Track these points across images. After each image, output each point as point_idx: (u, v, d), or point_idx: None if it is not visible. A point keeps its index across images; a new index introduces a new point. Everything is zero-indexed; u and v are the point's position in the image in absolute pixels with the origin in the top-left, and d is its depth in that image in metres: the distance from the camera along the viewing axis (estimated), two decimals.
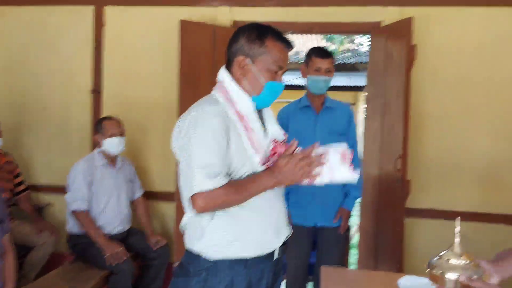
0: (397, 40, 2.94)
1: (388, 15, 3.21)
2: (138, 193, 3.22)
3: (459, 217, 1.27)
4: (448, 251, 1.21)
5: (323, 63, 2.50)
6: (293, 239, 2.57)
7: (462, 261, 1.17)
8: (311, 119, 2.56)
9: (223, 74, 1.50)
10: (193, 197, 1.36)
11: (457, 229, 1.22)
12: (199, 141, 1.36)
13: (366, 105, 3.36)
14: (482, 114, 3.14)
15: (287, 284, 2.70)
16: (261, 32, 1.44)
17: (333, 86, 9.31)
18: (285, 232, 1.56)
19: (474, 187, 3.14)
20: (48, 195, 3.64)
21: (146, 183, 3.45)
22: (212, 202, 1.36)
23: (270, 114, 1.58)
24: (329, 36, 11.40)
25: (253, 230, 1.43)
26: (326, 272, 1.91)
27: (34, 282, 2.68)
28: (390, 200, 2.96)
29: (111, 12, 3.55)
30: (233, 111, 1.43)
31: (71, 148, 3.60)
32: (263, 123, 1.51)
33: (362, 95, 13.08)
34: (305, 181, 1.40)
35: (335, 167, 1.39)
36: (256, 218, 1.45)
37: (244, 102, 1.45)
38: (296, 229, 2.58)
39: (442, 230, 3.19)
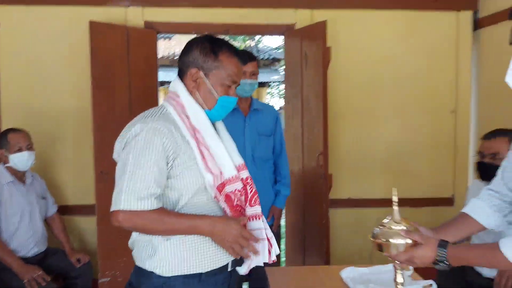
0: (312, 42, 3.08)
1: (300, 17, 3.36)
2: (52, 210, 2.96)
3: (395, 188, 1.39)
4: (388, 220, 1.33)
5: (247, 67, 2.52)
6: None
7: (402, 226, 1.30)
8: (240, 121, 2.58)
9: (177, 85, 1.43)
10: (114, 211, 1.30)
11: (395, 198, 1.35)
12: (137, 158, 1.30)
13: (285, 105, 3.47)
14: (387, 109, 3.45)
15: None
16: (216, 46, 1.42)
17: None
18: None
19: (384, 175, 3.45)
20: None
21: (60, 198, 3.20)
22: (131, 222, 1.30)
23: (223, 128, 1.55)
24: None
25: (208, 245, 1.40)
26: (271, 272, 1.94)
27: None
28: (314, 194, 3.12)
29: (6, 12, 3.19)
30: (186, 127, 1.37)
31: None
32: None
33: (266, 91, 13.48)
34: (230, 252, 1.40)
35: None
36: None
37: (200, 117, 1.40)
38: None
39: (359, 217, 3.46)
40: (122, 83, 3.14)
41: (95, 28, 3.02)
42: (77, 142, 3.30)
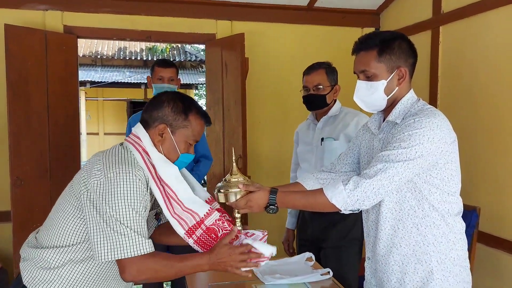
0: (231, 52, 3.28)
1: (221, 28, 3.54)
2: None
3: (233, 147, 1.69)
4: (227, 175, 1.57)
5: (164, 72, 2.71)
6: None
7: (240, 178, 1.55)
8: None
9: (142, 134, 1.46)
10: (125, 261, 1.31)
11: (234, 158, 1.62)
12: (127, 201, 1.31)
13: (207, 111, 3.62)
14: (296, 115, 3.71)
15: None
16: (187, 106, 1.47)
17: None
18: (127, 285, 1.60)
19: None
20: None
21: None
22: (146, 272, 1.33)
23: (189, 174, 1.61)
24: None
25: (109, 280, 1.45)
26: None
27: None
28: None
29: None
30: (152, 176, 1.40)
31: None
32: None
33: (193, 93, 13.51)
34: (238, 271, 1.43)
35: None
36: (114, 276, 1.46)
37: (171, 169, 1.44)
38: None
39: (275, 216, 3.69)
40: (40, 88, 3.11)
41: (11, 32, 2.96)
42: None
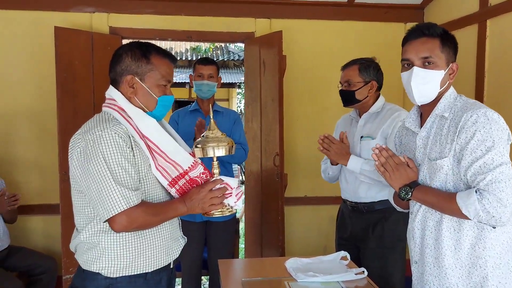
0: (269, 50, 3.28)
1: (260, 26, 3.56)
2: None
3: (210, 105, 1.63)
4: (206, 131, 1.56)
5: (204, 69, 2.76)
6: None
7: (217, 134, 1.54)
8: None
9: (114, 93, 1.48)
10: (114, 217, 1.35)
11: (211, 114, 1.57)
12: (111, 159, 1.35)
13: (245, 108, 3.66)
14: (335, 113, 3.65)
15: (182, 282, 2.86)
16: (145, 50, 1.48)
17: None
18: (181, 243, 1.66)
19: None
20: None
21: (23, 198, 3.26)
22: (135, 221, 1.38)
23: (168, 126, 1.64)
24: None
25: (154, 246, 1.50)
26: (223, 265, 2.12)
27: None
28: (271, 192, 3.31)
29: None
30: (134, 129, 1.43)
31: None
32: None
33: (235, 92, 13.65)
34: (212, 211, 1.50)
35: (230, 199, 1.54)
36: (155, 235, 1.50)
37: (146, 120, 1.46)
38: (187, 226, 2.77)
39: (313, 214, 3.69)
40: (87, 87, 3.25)
41: (60, 33, 3.11)
42: (37, 143, 3.39)
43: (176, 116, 2.86)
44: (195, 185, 1.51)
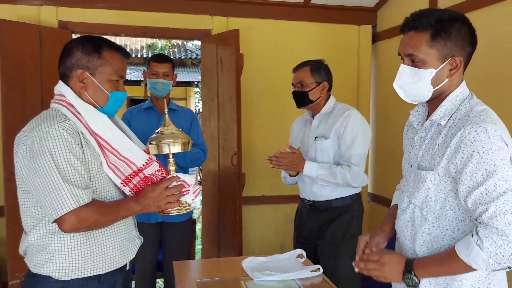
0: (226, 48, 3.26)
1: (217, 24, 3.52)
2: None
3: (165, 101, 1.74)
4: (160, 127, 1.54)
5: (159, 67, 2.67)
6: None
7: (172, 130, 1.52)
8: (155, 119, 2.68)
9: (63, 89, 1.43)
10: (63, 217, 1.30)
11: (166, 110, 1.57)
12: (59, 157, 1.31)
13: (202, 107, 3.61)
14: (292, 113, 3.69)
15: (136, 285, 2.78)
16: (97, 45, 1.44)
17: None
18: (137, 243, 1.62)
19: None
20: None
21: None
22: (85, 221, 1.33)
23: (121, 122, 1.59)
24: None
25: (108, 247, 1.45)
26: (178, 266, 2.08)
27: None
28: (229, 192, 3.29)
29: None
30: (85, 128, 1.39)
31: None
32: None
33: (193, 91, 13.51)
34: (169, 209, 1.46)
35: (187, 196, 1.50)
36: (109, 235, 1.46)
37: (96, 116, 1.42)
38: (141, 228, 2.69)
39: (271, 213, 3.70)
40: (35, 83, 3.10)
41: (5, 26, 2.96)
42: None
43: (129, 114, 2.75)
44: (150, 183, 1.47)
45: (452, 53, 1.29)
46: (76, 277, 1.40)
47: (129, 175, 1.44)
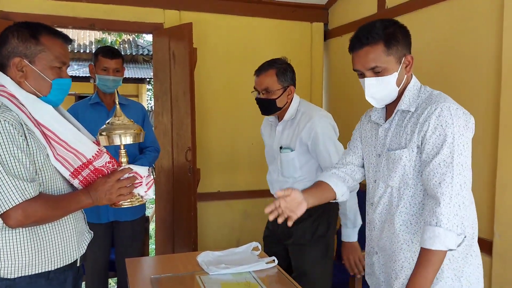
0: (179, 42, 3.21)
1: (169, 17, 3.46)
2: None
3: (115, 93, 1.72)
4: (111, 118, 1.51)
5: (110, 63, 2.55)
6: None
7: (124, 121, 1.49)
8: (103, 116, 2.58)
9: (2, 78, 1.37)
10: (8, 212, 1.25)
11: (116, 100, 1.53)
12: (1, 150, 1.25)
13: (154, 102, 3.54)
14: (247, 108, 3.69)
15: (86, 285, 2.69)
16: (34, 30, 1.37)
17: None
18: (87, 237, 1.57)
19: (248, 170, 3.70)
20: None
21: None
22: (32, 215, 1.28)
23: (68, 114, 1.53)
24: None
25: (55, 242, 1.41)
26: (131, 263, 2.03)
27: None
28: (183, 188, 3.25)
29: None
30: (28, 117, 1.33)
31: None
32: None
33: (145, 88, 13.21)
34: (121, 202, 1.43)
35: (140, 188, 1.47)
36: (57, 229, 1.42)
37: (38, 106, 1.36)
38: (92, 227, 2.59)
39: (226, 209, 3.69)
40: None
41: None
42: None
43: (74, 111, 2.57)
44: (100, 176, 1.42)
45: (403, 53, 1.46)
46: (23, 274, 1.35)
47: (78, 167, 1.39)
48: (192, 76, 3.13)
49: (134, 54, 12.30)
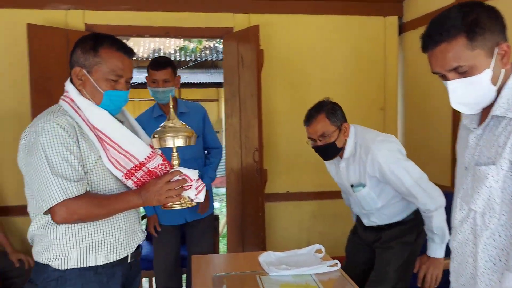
0: (247, 45, 3.25)
1: (238, 21, 3.52)
2: None
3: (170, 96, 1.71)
4: (165, 121, 1.51)
5: (158, 75, 2.54)
6: (161, 238, 2.71)
7: (176, 123, 1.48)
8: None
9: (68, 85, 1.49)
10: (54, 208, 1.33)
11: (171, 104, 1.54)
12: (51, 150, 1.34)
13: (224, 105, 3.62)
14: None
15: (157, 280, 2.82)
16: (96, 42, 1.45)
17: (195, 83, 9.38)
18: (139, 237, 1.59)
19: (315, 171, 3.61)
20: None
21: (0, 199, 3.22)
22: (76, 212, 1.34)
23: (131, 119, 1.61)
24: None
25: (104, 239, 1.46)
26: (196, 260, 2.09)
27: None
28: (251, 189, 3.28)
29: None
30: (84, 120, 1.42)
31: None
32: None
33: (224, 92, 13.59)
34: (170, 204, 1.45)
35: (190, 191, 1.48)
36: (107, 227, 1.47)
37: (98, 113, 1.44)
38: (164, 229, 2.72)
39: (294, 209, 3.67)
40: (61, 85, 3.18)
41: (33, 31, 3.06)
42: (16, 144, 3.32)
43: (140, 123, 2.66)
44: (154, 177, 1.47)
45: (495, 42, 1.14)
46: (73, 267, 1.42)
47: (131, 169, 1.44)
48: (259, 77, 3.16)
49: (214, 60, 12.73)
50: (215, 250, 3.05)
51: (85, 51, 1.45)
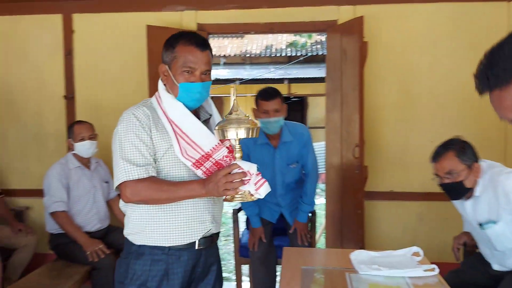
0: (350, 37, 3.17)
1: (342, 14, 3.44)
2: (113, 193, 3.27)
3: (236, 84, 1.51)
4: (228, 113, 1.46)
5: (269, 105, 2.56)
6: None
7: (240, 115, 1.43)
8: (270, 153, 2.72)
9: (159, 81, 1.61)
10: (120, 187, 1.48)
11: (233, 95, 1.47)
12: (124, 137, 1.49)
13: (326, 99, 3.58)
14: (424, 103, 3.41)
15: (252, 268, 2.93)
16: (174, 40, 1.56)
17: (305, 78, 9.34)
18: (207, 226, 1.60)
19: (422, 170, 3.38)
20: (26, 199, 3.76)
21: None
22: (138, 194, 1.47)
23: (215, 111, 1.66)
24: None
25: (171, 223, 1.54)
26: (287, 253, 2.13)
27: (18, 282, 2.79)
28: (351, 185, 3.21)
29: (79, 20, 3.67)
30: (164, 115, 1.52)
31: (47, 153, 3.72)
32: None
33: None
34: (229, 196, 1.44)
35: (249, 186, 1.44)
36: (175, 212, 1.54)
37: (174, 105, 1.53)
38: (264, 222, 2.89)
39: (398, 210, 3.48)
40: None
41: (152, 32, 3.37)
42: None
43: (245, 148, 2.65)
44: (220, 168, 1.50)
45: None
46: (146, 244, 1.55)
47: (199, 159, 1.50)
48: (361, 70, 3.06)
49: (325, 54, 12.61)
50: (312, 244, 3.05)
51: (166, 48, 1.58)
